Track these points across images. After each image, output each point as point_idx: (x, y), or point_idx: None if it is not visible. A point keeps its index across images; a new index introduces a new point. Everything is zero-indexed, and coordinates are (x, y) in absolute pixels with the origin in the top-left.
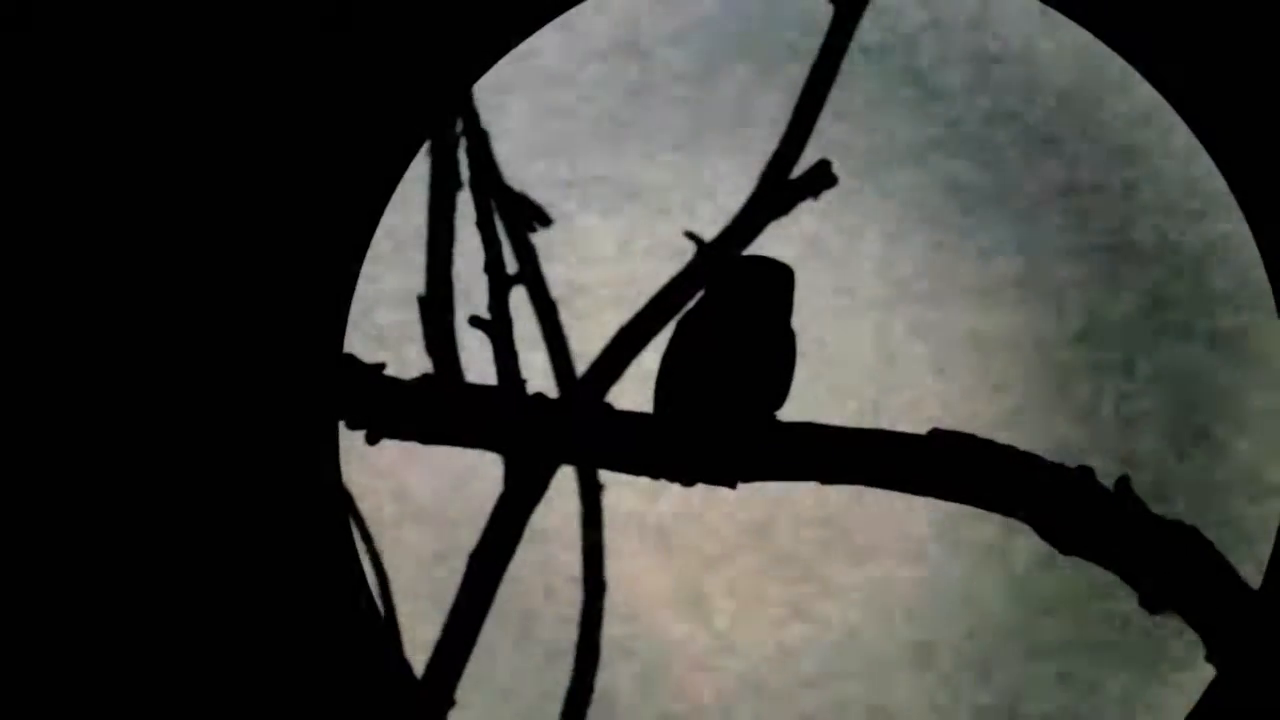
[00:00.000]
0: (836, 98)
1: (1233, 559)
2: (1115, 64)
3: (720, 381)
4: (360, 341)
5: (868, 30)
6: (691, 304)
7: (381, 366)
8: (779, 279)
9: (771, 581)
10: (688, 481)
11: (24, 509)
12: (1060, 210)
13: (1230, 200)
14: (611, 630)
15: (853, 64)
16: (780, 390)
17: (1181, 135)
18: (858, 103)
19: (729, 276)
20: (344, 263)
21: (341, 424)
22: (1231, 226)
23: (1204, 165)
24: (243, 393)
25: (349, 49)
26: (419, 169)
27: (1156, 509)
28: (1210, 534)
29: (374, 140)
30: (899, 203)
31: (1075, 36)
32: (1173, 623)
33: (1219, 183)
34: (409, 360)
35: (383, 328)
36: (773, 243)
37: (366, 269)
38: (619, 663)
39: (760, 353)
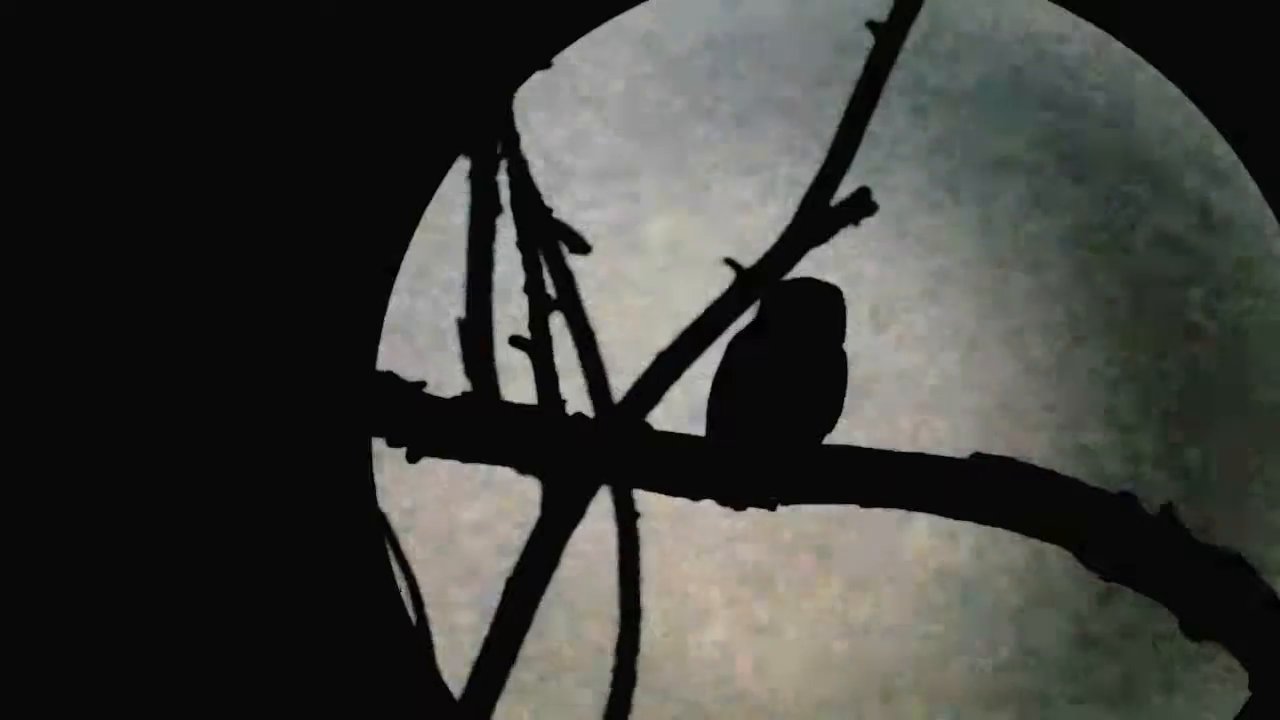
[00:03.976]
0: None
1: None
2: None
3: (774, 405)
4: (398, 360)
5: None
6: (742, 325)
7: (422, 384)
8: (831, 301)
9: (815, 603)
10: (729, 503)
11: (44, 518)
12: (1115, 247)
13: None
14: (647, 655)
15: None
16: (832, 414)
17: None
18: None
19: (781, 298)
20: (382, 281)
21: (381, 441)
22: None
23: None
24: (278, 410)
25: (383, 64)
26: (458, 189)
27: (1200, 536)
28: (1255, 562)
29: (412, 159)
30: (949, 231)
31: None
32: (1215, 651)
33: None
34: (446, 381)
35: (421, 348)
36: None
37: (404, 288)
38: (655, 689)
39: (812, 376)
